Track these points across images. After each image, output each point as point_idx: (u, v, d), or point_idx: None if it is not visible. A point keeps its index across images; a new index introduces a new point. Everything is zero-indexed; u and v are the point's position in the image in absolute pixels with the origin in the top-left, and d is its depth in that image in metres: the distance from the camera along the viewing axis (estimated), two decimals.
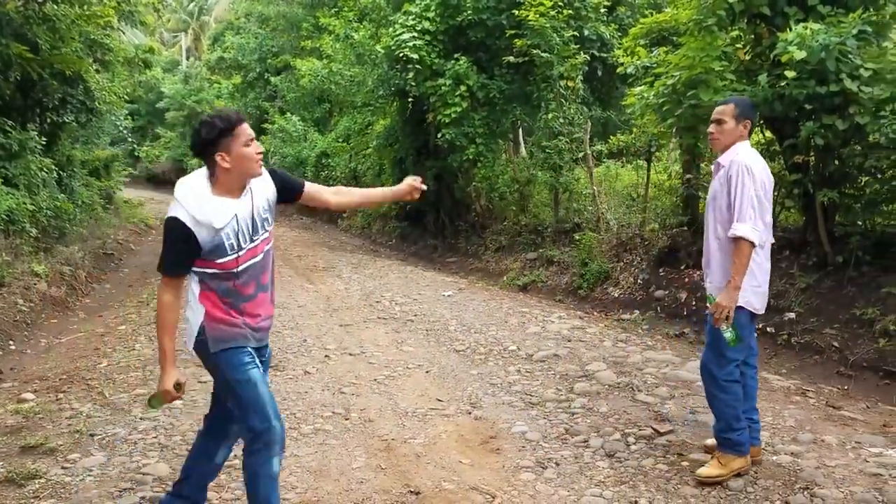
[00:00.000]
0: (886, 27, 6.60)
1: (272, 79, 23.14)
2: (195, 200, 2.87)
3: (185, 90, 35.72)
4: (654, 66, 7.38)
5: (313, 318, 7.75)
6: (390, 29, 12.05)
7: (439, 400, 5.11)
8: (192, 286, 3.01)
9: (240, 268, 2.97)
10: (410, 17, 11.55)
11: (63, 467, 4.04)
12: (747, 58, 6.87)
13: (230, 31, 29.61)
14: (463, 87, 11.15)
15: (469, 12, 11.23)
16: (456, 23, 11.46)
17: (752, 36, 6.85)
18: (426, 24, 11.42)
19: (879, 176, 6.27)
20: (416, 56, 11.14)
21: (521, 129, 13.46)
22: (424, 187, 3.48)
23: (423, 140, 13.10)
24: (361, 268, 11.50)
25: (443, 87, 11.15)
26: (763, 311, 3.85)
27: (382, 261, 12.70)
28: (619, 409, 4.86)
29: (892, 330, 5.61)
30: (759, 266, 3.72)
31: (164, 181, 39.26)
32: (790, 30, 6.00)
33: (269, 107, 24.68)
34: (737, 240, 3.56)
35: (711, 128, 3.79)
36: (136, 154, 36.05)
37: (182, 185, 2.94)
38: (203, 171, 2.96)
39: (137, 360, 6.19)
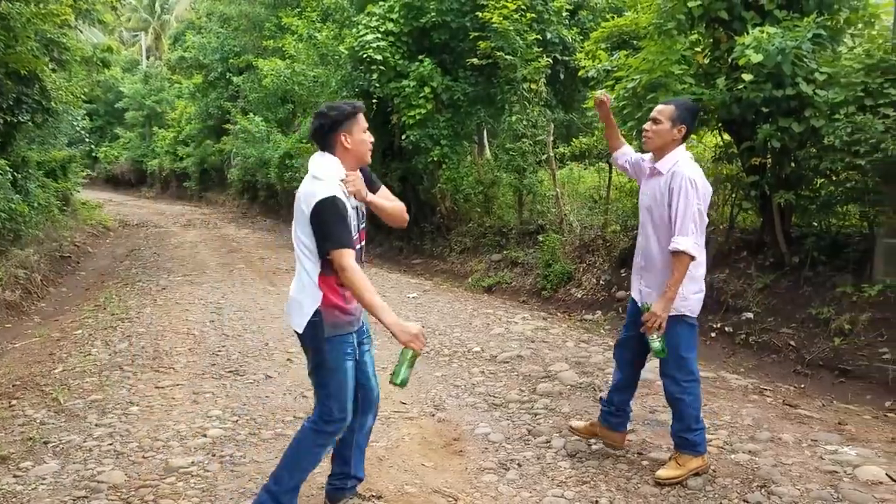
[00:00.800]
0: (840, 32, 6.76)
1: (234, 79, 22.84)
2: (338, 183, 3.05)
3: (144, 90, 35.20)
4: (615, 69, 7.45)
5: (275, 322, 7.67)
6: (354, 30, 11.98)
7: (403, 403, 5.09)
8: (310, 270, 3.11)
9: (356, 248, 3.09)
10: (374, 19, 11.50)
11: (15, 476, 3.95)
12: (706, 61, 6.97)
13: (191, 31, 29.14)
14: (427, 89, 11.14)
15: (433, 14, 11.22)
16: (420, 24, 11.44)
17: (711, 40, 6.95)
18: (390, 26, 11.38)
19: (834, 178, 6.40)
20: (379, 57, 11.10)
21: (485, 132, 13.50)
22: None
23: (388, 141, 13.04)
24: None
25: (407, 89, 11.13)
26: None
27: None
28: (580, 410, 4.89)
29: (846, 329, 5.74)
30: (702, 274, 3.75)
31: (123, 182, 38.67)
32: (747, 34, 6.10)
33: (231, 107, 24.35)
34: (677, 253, 3.55)
35: (647, 125, 3.75)
36: (95, 155, 35.49)
37: (322, 167, 3.10)
38: (324, 155, 3.13)
39: (93, 366, 6.07)
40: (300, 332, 3.16)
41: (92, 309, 8.62)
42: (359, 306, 3.18)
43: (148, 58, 42.13)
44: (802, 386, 5.54)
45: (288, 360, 6.21)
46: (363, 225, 3.28)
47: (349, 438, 3.39)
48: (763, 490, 3.65)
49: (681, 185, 3.56)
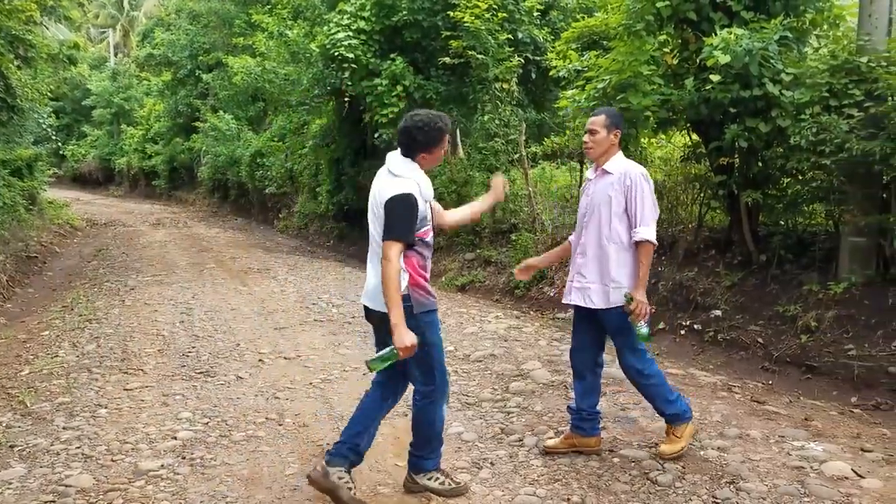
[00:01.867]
0: (806, 33, 6.88)
1: (204, 76, 22.63)
2: (420, 177, 3.46)
3: (112, 87, 34.73)
4: (586, 69, 7.49)
5: (247, 322, 7.62)
6: (325, 28, 11.92)
7: None
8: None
9: (428, 238, 3.52)
10: (345, 17, 11.46)
11: None
12: (675, 62, 7.04)
13: (160, 28, 28.82)
14: (399, 88, 11.13)
15: (404, 13, 11.21)
16: (391, 23, 11.42)
17: (680, 41, 7.02)
18: (361, 24, 11.35)
19: (800, 177, 6.50)
20: (351, 55, 11.07)
21: (458, 130, 13.50)
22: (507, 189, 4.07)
23: (361, 140, 13.03)
24: (298, 269, 11.37)
25: (379, 87, 11.11)
26: None
27: (320, 262, 12.58)
28: (553, 408, 4.93)
29: (813, 326, 5.84)
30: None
31: (90, 181, 38.11)
32: (715, 35, 6.18)
33: (200, 105, 24.13)
34: (643, 243, 3.86)
35: (585, 137, 4.03)
36: (62, 153, 34.94)
37: (402, 167, 3.47)
38: (404, 159, 3.50)
39: (61, 368, 5.98)
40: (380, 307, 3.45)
41: (59, 310, 8.49)
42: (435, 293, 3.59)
43: (116, 55, 41.56)
44: (770, 382, 5.63)
45: (260, 360, 6.17)
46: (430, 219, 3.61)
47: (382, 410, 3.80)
48: (732, 486, 3.71)
49: (635, 181, 3.88)
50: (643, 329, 3.86)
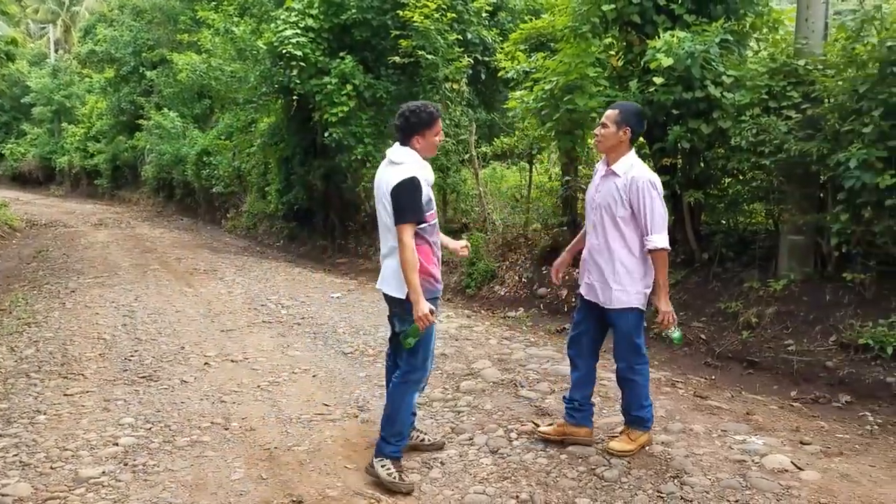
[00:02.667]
0: (746, 36, 7.07)
1: (148, 73, 22.12)
2: (418, 162, 3.71)
3: (53, 84, 33.74)
4: (534, 70, 7.56)
5: (192, 324, 7.47)
6: (272, 25, 11.76)
7: (325, 405, 5.04)
8: None
9: (434, 221, 3.79)
10: (293, 14, 11.31)
11: None
12: (620, 64, 7.16)
13: (102, 24, 28.05)
14: (349, 87, 11.04)
15: (353, 11, 11.13)
16: (340, 21, 11.33)
17: (625, 43, 7.14)
18: (309, 22, 11.21)
19: (741, 177, 6.68)
20: (299, 53, 10.93)
21: None
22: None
23: (311, 139, 12.89)
24: (246, 270, 11.20)
25: (329, 86, 10.99)
26: None
27: (269, 262, 12.42)
28: (502, 406, 4.95)
29: (754, 322, 6.00)
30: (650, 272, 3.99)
31: (30, 180, 36.93)
32: (659, 38, 6.29)
33: (144, 102, 23.58)
34: (658, 251, 3.85)
35: (597, 129, 4.03)
36: (0, 152, 33.78)
37: (401, 155, 3.72)
38: (402, 148, 3.75)
39: None
40: (402, 297, 3.70)
41: None
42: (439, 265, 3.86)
43: (57, 51, 40.33)
44: (713, 378, 5.75)
45: (205, 363, 6.06)
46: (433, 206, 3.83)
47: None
48: (676, 480, 3.78)
49: (643, 188, 3.81)
50: (675, 334, 4.01)
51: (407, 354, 3.83)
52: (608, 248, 3.95)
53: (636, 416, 4.10)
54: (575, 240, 4.40)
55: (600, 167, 4.07)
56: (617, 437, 4.18)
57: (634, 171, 3.87)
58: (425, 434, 4.29)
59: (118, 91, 25.34)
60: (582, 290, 4.16)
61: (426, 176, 3.74)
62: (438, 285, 3.87)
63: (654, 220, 3.82)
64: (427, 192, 3.71)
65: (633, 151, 3.98)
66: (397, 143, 3.81)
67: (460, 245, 4.23)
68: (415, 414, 4.16)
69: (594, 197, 4.04)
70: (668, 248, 3.88)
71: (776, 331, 5.87)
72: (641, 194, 3.81)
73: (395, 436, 3.85)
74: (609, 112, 3.97)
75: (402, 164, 3.69)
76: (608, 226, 3.94)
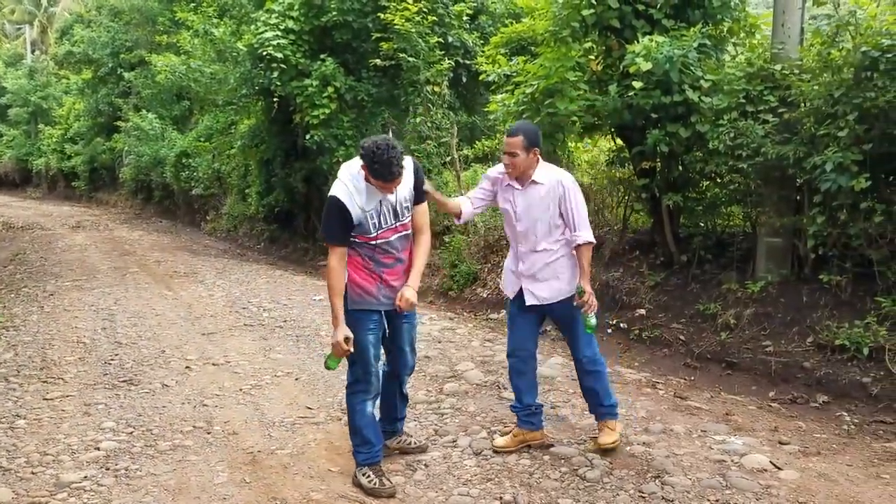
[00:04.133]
0: (724, 41, 7.15)
1: (126, 74, 21.91)
2: (353, 188, 3.57)
3: (30, 85, 33.34)
4: (515, 74, 7.60)
5: (173, 328, 7.43)
6: (252, 27, 11.73)
7: (309, 408, 5.04)
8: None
9: (381, 242, 3.67)
10: (273, 16, 11.28)
11: None
12: (599, 68, 7.22)
13: (80, 24, 27.76)
14: (331, 89, 11.03)
15: (334, 13, 11.11)
16: (321, 23, 11.30)
17: (604, 48, 7.19)
18: (290, 23, 11.18)
19: (719, 181, 6.75)
20: (280, 55, 10.89)
21: (390, 133, 13.49)
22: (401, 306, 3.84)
23: (291, 141, 12.84)
24: (227, 273, 11.14)
25: (310, 88, 10.97)
26: None
27: (250, 265, 12.36)
28: (486, 408, 4.98)
29: (732, 324, 6.08)
30: None
31: (6, 182, 36.45)
32: (638, 42, 6.35)
33: (122, 103, 23.37)
34: (584, 245, 4.02)
35: (505, 160, 4.02)
36: None
37: (345, 169, 3.65)
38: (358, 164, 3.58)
39: None
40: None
41: None
42: (388, 292, 3.75)
43: (33, 52, 39.79)
44: (692, 378, 5.82)
45: (186, 367, 6.03)
46: (395, 223, 3.71)
47: (391, 391, 4.10)
48: (657, 480, 3.83)
49: (568, 188, 4.01)
50: (592, 320, 4.05)
51: (348, 365, 3.83)
52: (548, 249, 4.09)
53: (610, 405, 4.22)
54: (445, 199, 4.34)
55: (514, 182, 4.08)
56: (598, 434, 4.24)
57: (557, 174, 4.05)
58: (411, 437, 4.31)
59: (96, 92, 25.09)
60: (527, 300, 4.14)
61: (359, 202, 3.55)
62: (369, 297, 3.72)
63: (582, 217, 4.03)
64: (358, 217, 3.56)
65: (542, 162, 4.08)
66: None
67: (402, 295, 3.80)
68: (403, 418, 4.26)
69: (519, 209, 4.08)
70: (594, 241, 4.09)
71: (754, 332, 5.94)
72: (568, 193, 4.01)
73: (361, 444, 3.85)
74: (512, 140, 3.96)
75: (339, 179, 3.63)
76: (542, 231, 4.06)
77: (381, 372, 3.93)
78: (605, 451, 4.13)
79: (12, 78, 34.18)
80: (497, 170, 4.19)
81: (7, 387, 5.51)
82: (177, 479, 3.94)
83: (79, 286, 10.01)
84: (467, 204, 4.29)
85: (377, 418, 4.04)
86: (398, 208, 3.71)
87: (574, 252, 4.08)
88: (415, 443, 4.28)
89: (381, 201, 3.63)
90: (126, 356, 6.38)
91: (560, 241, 4.09)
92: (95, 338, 7.05)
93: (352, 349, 3.62)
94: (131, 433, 4.59)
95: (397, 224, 3.73)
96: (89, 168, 27.93)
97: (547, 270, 4.10)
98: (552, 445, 4.27)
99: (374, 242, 3.67)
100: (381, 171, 3.45)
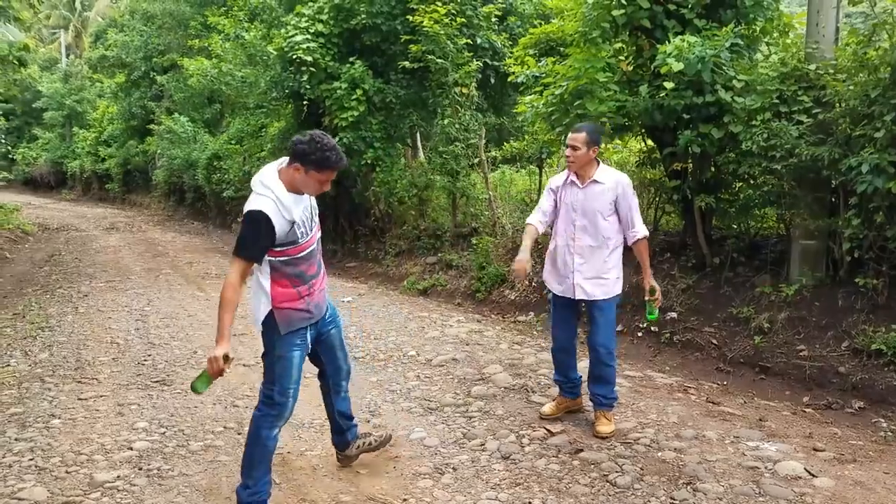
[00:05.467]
0: (757, 41, 7.04)
1: (158, 78, 22.24)
2: (279, 201, 3.30)
3: (64, 89, 34.01)
4: (544, 75, 7.56)
5: (204, 329, 7.51)
6: (282, 30, 11.82)
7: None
8: (261, 278, 3.45)
9: (306, 251, 3.48)
10: (303, 19, 11.36)
11: None
12: (630, 69, 7.15)
13: (113, 29, 28.28)
14: (359, 92, 11.08)
15: (363, 16, 11.17)
16: (350, 26, 11.37)
17: (634, 48, 7.13)
18: (319, 27, 11.27)
19: (752, 182, 6.64)
20: (309, 58, 10.98)
21: (418, 134, 13.53)
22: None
23: None
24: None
25: (338, 91, 11.04)
26: None
27: None
28: (514, 411, 4.96)
29: (766, 327, 5.98)
30: None
31: (42, 184, 37.19)
32: (669, 42, 6.29)
33: (155, 107, 23.73)
34: (642, 239, 4.46)
35: (567, 152, 4.46)
36: (12, 157, 34.08)
37: (263, 180, 3.35)
38: (273, 170, 3.38)
39: (12, 377, 5.83)
40: (261, 329, 3.51)
41: (10, 318, 8.26)
42: (317, 302, 3.60)
43: (68, 56, 40.64)
44: (725, 383, 5.74)
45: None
46: (315, 224, 3.59)
47: (331, 403, 4.00)
48: (689, 487, 3.78)
49: (626, 189, 4.42)
50: (656, 312, 4.49)
51: (266, 381, 3.54)
52: (602, 246, 4.43)
53: (613, 398, 4.59)
54: (527, 243, 4.53)
55: (574, 179, 4.50)
56: (596, 422, 4.57)
57: (616, 175, 4.46)
58: (370, 435, 4.15)
59: (129, 96, 25.53)
60: (562, 291, 4.60)
61: (289, 211, 3.34)
62: (303, 313, 3.53)
63: (637, 215, 4.44)
64: (284, 230, 3.32)
65: (601, 163, 4.52)
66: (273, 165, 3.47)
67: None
68: (353, 423, 4.09)
69: (580, 204, 4.47)
70: (648, 235, 4.51)
71: (788, 336, 5.85)
72: (626, 193, 4.41)
73: (250, 480, 3.50)
74: (576, 136, 4.40)
75: (261, 193, 3.33)
76: (601, 227, 4.42)
77: (298, 394, 3.61)
78: (602, 438, 4.43)
79: (48, 82, 34.90)
80: (555, 180, 4.65)
81: (42, 387, 5.61)
82: (208, 480, 3.98)
83: (112, 287, 10.17)
84: (537, 225, 4.62)
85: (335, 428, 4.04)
86: (312, 213, 3.56)
87: (632, 250, 4.50)
88: (375, 440, 4.13)
89: (302, 209, 3.43)
90: (159, 357, 6.46)
91: (615, 241, 4.44)
92: (129, 338, 7.15)
93: (229, 368, 3.31)
94: (163, 433, 4.65)
95: (312, 228, 3.56)
96: (123, 170, 28.41)
97: (600, 267, 4.43)
98: (582, 410, 4.82)
99: (301, 254, 3.45)
100: (331, 157, 3.30)
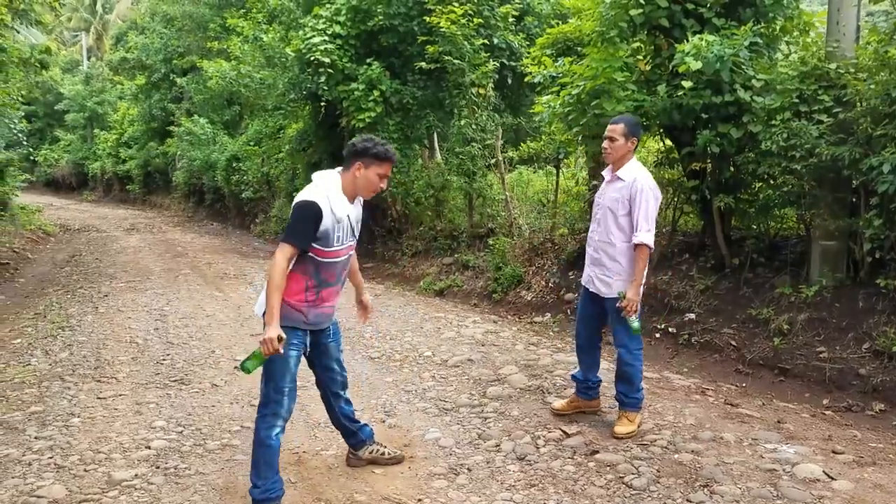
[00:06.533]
0: (776, 40, 6.98)
1: (178, 80, 22.44)
2: (331, 196, 3.48)
3: (86, 91, 34.38)
4: (561, 75, 7.54)
5: (223, 329, 7.56)
6: (300, 32, 11.88)
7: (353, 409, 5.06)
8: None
9: (334, 259, 3.57)
10: (321, 21, 11.42)
11: None
12: (647, 68, 7.10)
13: (134, 31, 28.58)
14: (376, 93, 11.12)
15: (380, 18, 11.20)
16: (367, 28, 11.41)
17: (652, 47, 7.09)
18: (337, 28, 11.32)
19: (771, 182, 6.58)
20: (327, 60, 11.03)
21: (435, 135, 13.53)
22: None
23: (338, 145, 12.96)
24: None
25: (356, 92, 11.08)
26: None
27: None
28: (529, 412, 4.95)
29: (785, 329, 5.92)
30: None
31: (63, 186, 37.61)
32: (687, 41, 6.24)
33: (175, 108, 23.95)
34: (641, 246, 4.30)
35: (605, 143, 4.46)
36: (34, 158, 34.46)
37: (322, 178, 3.56)
38: (332, 172, 3.59)
39: (33, 376, 5.90)
40: (262, 316, 3.47)
41: (31, 317, 8.37)
42: (318, 313, 3.65)
43: (89, 58, 41.05)
44: (743, 385, 5.69)
45: (235, 368, 6.12)
46: (353, 239, 3.70)
47: (335, 410, 4.04)
48: (706, 489, 3.75)
49: (642, 191, 4.31)
50: (635, 323, 4.35)
51: (263, 379, 3.56)
52: (611, 243, 4.43)
53: (634, 398, 4.52)
54: None
55: (606, 174, 4.61)
56: (617, 422, 4.54)
57: (638, 174, 4.39)
58: (385, 447, 4.19)
59: (149, 98, 25.77)
60: (584, 281, 4.69)
61: (343, 209, 3.53)
62: (299, 314, 3.56)
63: (647, 220, 4.30)
64: (327, 226, 3.46)
65: (635, 158, 4.50)
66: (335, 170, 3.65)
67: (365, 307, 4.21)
68: (360, 426, 4.12)
69: (600, 198, 4.57)
70: (651, 246, 4.32)
71: (808, 338, 5.78)
72: (640, 194, 4.30)
73: (258, 478, 3.54)
74: (614, 127, 4.41)
75: (314, 185, 3.54)
76: (610, 223, 4.42)
77: (295, 393, 3.65)
78: (619, 439, 4.40)
79: (69, 84, 35.30)
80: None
81: (63, 385, 5.67)
82: (224, 479, 4.01)
83: (132, 287, 10.27)
84: None
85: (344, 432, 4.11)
86: (354, 226, 3.67)
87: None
88: (389, 453, 4.16)
89: (347, 216, 3.57)
90: (177, 356, 6.51)
91: (624, 239, 4.39)
92: (148, 338, 7.21)
93: (282, 350, 3.36)
94: (181, 432, 4.68)
95: (351, 242, 3.68)
96: (143, 172, 28.68)
97: (608, 263, 4.44)
98: (597, 412, 4.80)
99: (328, 259, 3.54)
100: (388, 149, 3.57)
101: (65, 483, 3.94)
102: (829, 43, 6.18)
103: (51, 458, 4.28)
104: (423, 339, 6.99)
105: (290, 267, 3.48)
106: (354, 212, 3.65)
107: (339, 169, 3.61)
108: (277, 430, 3.56)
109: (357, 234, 3.73)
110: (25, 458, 4.26)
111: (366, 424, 4.18)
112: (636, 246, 4.32)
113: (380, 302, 8.96)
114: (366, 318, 4.22)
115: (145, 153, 27.37)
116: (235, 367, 5.65)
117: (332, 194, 3.50)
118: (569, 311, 7.98)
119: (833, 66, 5.91)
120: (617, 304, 4.35)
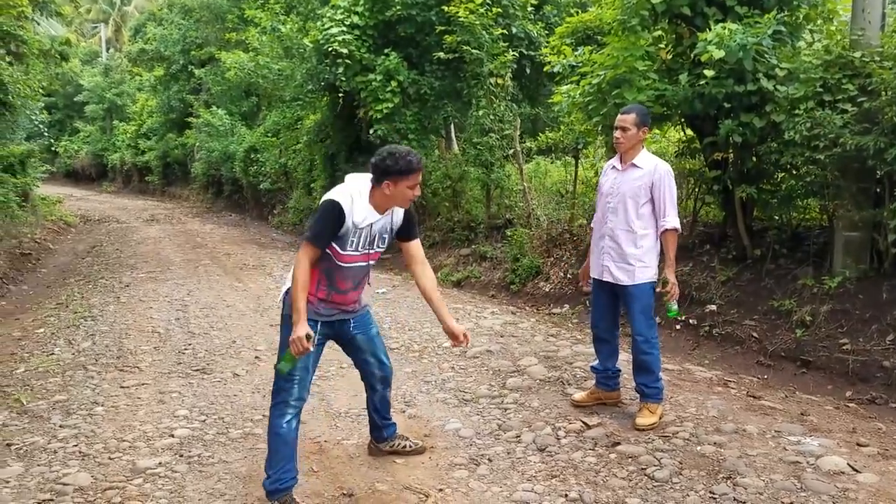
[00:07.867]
0: (800, 28, 6.87)
1: (196, 71, 22.54)
2: (356, 200, 3.48)
3: (105, 83, 34.61)
4: (580, 65, 7.48)
5: (243, 319, 7.61)
6: (318, 23, 11.88)
7: None
8: None
9: (348, 265, 3.58)
10: (339, 11, 11.41)
11: None
12: (669, 57, 7.03)
13: (152, 22, 28.70)
14: (394, 83, 11.10)
15: (398, 7, 11.17)
16: (385, 18, 11.38)
17: (674, 36, 7.01)
18: (355, 19, 11.31)
19: (794, 172, 6.50)
20: (345, 51, 11.02)
21: (452, 126, 13.51)
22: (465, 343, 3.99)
23: (355, 135, 12.98)
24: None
25: (373, 83, 11.07)
26: None
27: None
28: (549, 404, 4.94)
29: (808, 321, 5.86)
30: None
31: (83, 177, 37.95)
32: (709, 30, 6.17)
33: (193, 100, 24.06)
34: (671, 230, 4.37)
35: (617, 133, 4.45)
36: (54, 149, 34.80)
37: (353, 179, 3.60)
38: (366, 180, 3.55)
39: (57, 365, 5.97)
40: (281, 305, 3.63)
41: (54, 307, 8.47)
42: (330, 307, 3.65)
43: (108, 50, 41.35)
44: (766, 377, 5.65)
45: (256, 357, 6.17)
46: (374, 249, 3.67)
47: (368, 399, 4.11)
48: (729, 482, 3.73)
49: (663, 176, 4.37)
50: (674, 306, 4.39)
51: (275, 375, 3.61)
52: (631, 230, 4.42)
53: (655, 388, 4.50)
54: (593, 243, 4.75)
55: (616, 163, 4.60)
56: (638, 414, 4.52)
57: (655, 161, 4.44)
58: (407, 439, 4.22)
59: (168, 89, 25.92)
60: (596, 274, 4.63)
61: (363, 215, 3.50)
62: (311, 306, 3.54)
63: (670, 205, 4.36)
64: (347, 228, 3.46)
65: (645, 148, 4.54)
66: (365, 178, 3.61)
67: (459, 332, 3.91)
68: (388, 423, 4.15)
69: (615, 187, 4.52)
70: (679, 228, 4.39)
71: (831, 329, 5.73)
72: (662, 181, 4.35)
73: (271, 468, 3.55)
74: (626, 116, 4.41)
75: (343, 186, 3.55)
76: (631, 211, 4.41)
77: (308, 382, 3.64)
78: (640, 430, 4.38)
79: (88, 75, 35.55)
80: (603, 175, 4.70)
81: (86, 375, 5.74)
82: (247, 467, 4.04)
83: (153, 278, 10.36)
84: None
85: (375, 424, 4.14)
86: (376, 238, 3.64)
87: (659, 240, 4.42)
88: (410, 445, 4.18)
89: (371, 224, 3.55)
90: (199, 346, 6.56)
91: (645, 226, 4.40)
92: (169, 328, 7.27)
93: (311, 348, 3.37)
94: (204, 421, 4.72)
95: (369, 251, 3.64)
96: (162, 163, 28.86)
97: (629, 250, 4.41)
98: (619, 404, 4.80)
99: (340, 263, 3.55)
100: (413, 161, 3.47)
101: (90, 471, 3.99)
102: (853, 31, 6.09)
103: (75, 446, 4.33)
104: (442, 331, 6.98)
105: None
106: (381, 222, 3.62)
107: (371, 176, 3.54)
108: (288, 417, 3.56)
109: (383, 244, 3.72)
110: (51, 447, 4.31)
111: (393, 423, 4.20)
112: (665, 231, 4.37)
113: (398, 293, 8.97)
114: (457, 344, 3.98)
115: (164, 144, 27.54)
116: (226, 377, 5.68)
117: (357, 198, 3.49)
118: (587, 302, 7.93)
119: (858, 54, 5.82)
120: (658, 290, 4.43)
